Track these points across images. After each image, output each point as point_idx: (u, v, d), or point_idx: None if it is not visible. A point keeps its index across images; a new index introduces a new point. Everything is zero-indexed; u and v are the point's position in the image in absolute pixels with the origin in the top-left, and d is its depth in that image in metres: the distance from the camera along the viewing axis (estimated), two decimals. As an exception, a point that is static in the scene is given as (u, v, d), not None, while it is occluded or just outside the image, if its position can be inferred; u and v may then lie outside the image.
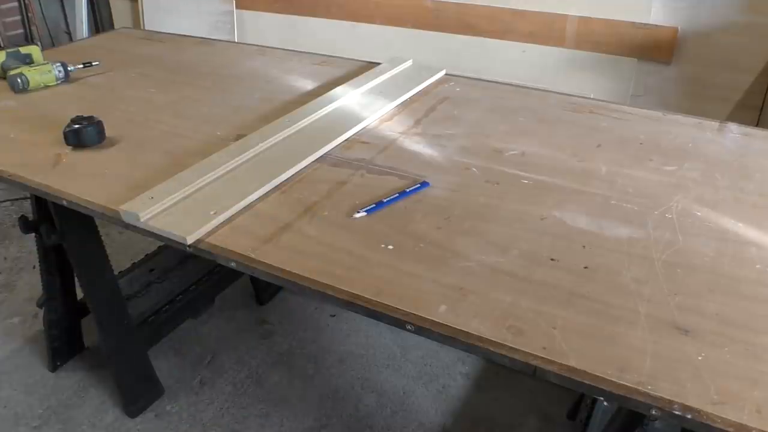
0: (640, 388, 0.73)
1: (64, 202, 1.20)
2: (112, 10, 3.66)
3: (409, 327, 0.85)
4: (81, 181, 1.24)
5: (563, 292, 0.89)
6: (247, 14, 3.21)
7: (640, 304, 0.87)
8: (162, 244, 1.46)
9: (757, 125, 2.07)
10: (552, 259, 0.97)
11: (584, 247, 1.00)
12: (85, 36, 3.65)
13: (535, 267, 0.95)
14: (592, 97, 1.65)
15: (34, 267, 2.64)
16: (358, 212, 1.08)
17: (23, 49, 1.81)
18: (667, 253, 0.98)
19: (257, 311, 2.38)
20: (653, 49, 2.40)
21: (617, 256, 0.98)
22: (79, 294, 1.97)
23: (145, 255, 2.26)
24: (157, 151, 1.35)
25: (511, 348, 0.79)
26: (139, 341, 1.95)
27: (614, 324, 0.83)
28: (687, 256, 0.97)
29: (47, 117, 1.53)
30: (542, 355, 0.77)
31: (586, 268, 0.95)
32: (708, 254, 0.98)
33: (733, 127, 1.44)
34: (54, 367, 2.10)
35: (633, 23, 2.41)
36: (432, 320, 0.84)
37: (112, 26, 3.70)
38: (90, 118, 1.38)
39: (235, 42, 3.10)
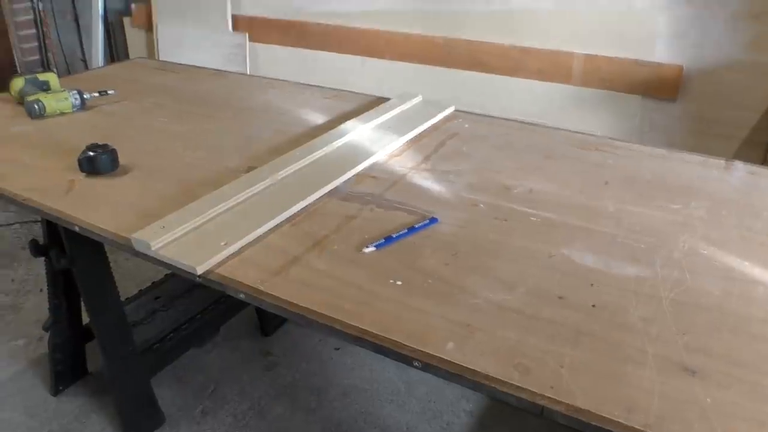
0: (647, 430, 0.72)
1: (76, 228, 1.21)
2: (128, 40, 3.72)
3: (416, 364, 0.85)
4: (93, 207, 1.25)
5: (571, 330, 0.90)
6: (260, 47, 3.26)
7: (647, 343, 0.87)
8: (169, 272, 1.46)
9: (763, 163, 2.08)
10: (559, 297, 0.97)
11: (592, 285, 1.00)
12: (100, 64, 3.71)
13: (543, 304, 0.95)
14: (598, 134, 1.66)
15: (41, 290, 2.65)
16: (367, 247, 1.09)
17: (41, 76, 1.84)
18: (675, 291, 0.99)
19: (261, 342, 2.38)
20: (658, 86, 2.43)
21: (625, 294, 0.98)
22: (85, 319, 1.97)
23: (152, 282, 2.27)
24: (170, 180, 1.37)
25: (518, 387, 0.79)
26: (142, 368, 1.95)
27: (622, 363, 0.83)
28: (694, 295, 0.98)
29: (62, 143, 1.55)
30: (549, 395, 0.77)
31: (593, 306, 0.95)
32: (715, 293, 0.98)
33: (740, 165, 1.45)
34: (56, 391, 2.10)
35: (638, 61, 2.43)
36: (439, 357, 0.84)
37: (127, 56, 3.77)
38: (104, 146, 1.40)
39: (247, 74, 3.14)
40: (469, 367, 0.82)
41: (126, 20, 3.70)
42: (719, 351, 0.86)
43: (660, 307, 0.95)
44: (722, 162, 1.47)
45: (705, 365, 0.83)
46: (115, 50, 3.93)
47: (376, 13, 2.93)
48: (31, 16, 4.10)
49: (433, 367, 0.84)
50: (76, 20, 4.09)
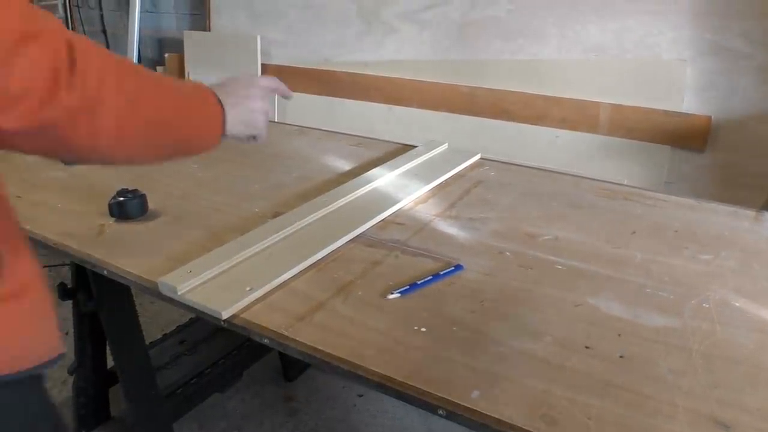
0: (679, 486, 0.70)
1: (105, 272, 1.23)
2: (159, 88, 3.82)
3: (440, 412, 0.84)
4: (122, 251, 1.27)
5: (598, 381, 0.88)
6: (288, 95, 3.33)
7: (677, 396, 0.85)
8: (193, 316, 1.47)
9: (794, 216, 2.05)
10: (586, 347, 0.96)
11: (619, 335, 0.99)
12: (132, 111, 3.80)
13: (570, 354, 0.94)
14: (625, 183, 1.65)
15: (66, 333, 2.66)
16: (392, 293, 1.09)
17: (75, 124, 1.89)
18: (705, 344, 0.97)
19: (284, 387, 2.36)
20: (687, 137, 2.42)
21: (653, 345, 0.96)
22: (109, 363, 1.98)
23: (177, 326, 2.28)
24: (197, 225, 1.39)
25: (544, 438, 0.78)
26: (165, 413, 1.94)
27: (651, 417, 0.81)
28: (726, 348, 0.96)
29: (94, 188, 1.58)
30: (577, 447, 0.76)
31: (621, 357, 0.93)
32: (748, 346, 0.96)
33: (770, 218, 1.43)
34: (79, 437, 2.10)
35: (666, 111, 2.43)
36: (464, 406, 0.83)
37: (158, 103, 3.85)
38: (134, 191, 1.42)
39: (275, 121, 3.20)
40: (494, 416, 0.81)
41: (159, 69, 3.80)
42: (753, 405, 0.83)
43: (690, 359, 0.93)
44: (753, 213, 1.45)
45: (739, 420, 0.80)
46: (148, 98, 4.03)
47: (402, 62, 2.98)
48: (68, 65, 4.25)
49: (457, 415, 0.83)
50: (112, 69, 4.22)
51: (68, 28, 4.08)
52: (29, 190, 1.59)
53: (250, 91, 0.98)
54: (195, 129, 0.87)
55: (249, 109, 0.97)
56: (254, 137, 1.01)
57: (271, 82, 1.03)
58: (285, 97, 1.10)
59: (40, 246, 1.35)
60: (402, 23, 2.94)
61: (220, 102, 0.91)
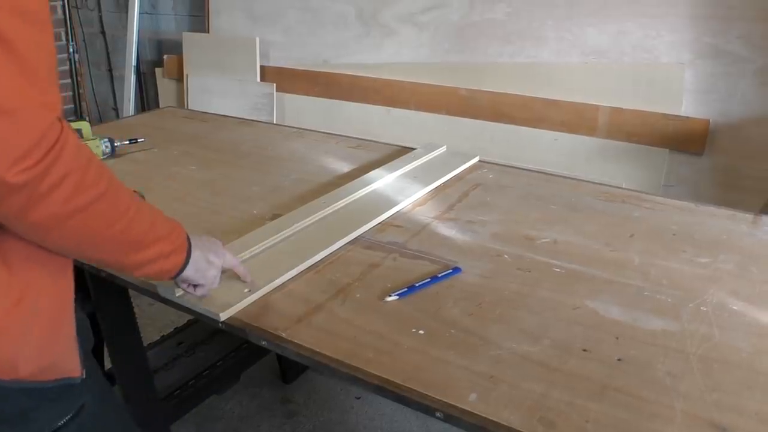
0: (676, 489, 0.70)
1: (103, 273, 1.23)
2: (159, 90, 3.82)
3: (438, 415, 0.84)
4: (120, 254, 1.26)
5: (596, 385, 0.88)
6: (287, 96, 3.32)
7: (675, 400, 0.85)
8: (191, 317, 1.47)
9: (792, 219, 2.05)
10: (584, 350, 0.96)
11: (617, 338, 0.99)
12: (131, 113, 3.80)
13: (567, 357, 0.94)
14: (624, 186, 1.65)
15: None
16: (390, 296, 1.09)
17: (74, 125, 1.88)
18: (703, 347, 0.97)
19: (282, 389, 2.36)
20: (685, 140, 2.42)
21: (651, 349, 0.96)
22: (107, 364, 1.97)
23: (174, 328, 2.27)
24: (195, 227, 1.37)
25: (542, 441, 0.78)
26: (163, 415, 1.94)
27: (649, 420, 0.81)
28: (724, 352, 0.96)
29: (91, 191, 1.58)
30: (575, 450, 0.76)
31: (619, 360, 0.93)
32: (746, 350, 0.96)
33: (768, 221, 1.43)
34: (76, 439, 2.09)
35: (664, 114, 2.43)
36: (462, 408, 0.83)
37: (157, 105, 3.86)
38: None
39: (274, 123, 3.20)
40: (492, 419, 0.81)
41: (158, 71, 3.80)
42: (751, 409, 0.83)
43: (688, 362, 0.93)
44: (750, 216, 1.45)
45: (736, 424, 0.81)
46: (146, 100, 4.03)
47: (401, 64, 2.98)
48: (66, 67, 4.24)
49: (455, 418, 0.83)
50: (110, 71, 4.21)
51: (67, 29, 4.08)
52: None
53: (219, 250, 1.05)
54: (153, 251, 0.92)
55: (208, 261, 1.01)
56: (197, 286, 1.04)
57: (234, 262, 1.09)
58: (243, 279, 1.12)
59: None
60: (401, 25, 2.94)
61: (189, 240, 0.97)
